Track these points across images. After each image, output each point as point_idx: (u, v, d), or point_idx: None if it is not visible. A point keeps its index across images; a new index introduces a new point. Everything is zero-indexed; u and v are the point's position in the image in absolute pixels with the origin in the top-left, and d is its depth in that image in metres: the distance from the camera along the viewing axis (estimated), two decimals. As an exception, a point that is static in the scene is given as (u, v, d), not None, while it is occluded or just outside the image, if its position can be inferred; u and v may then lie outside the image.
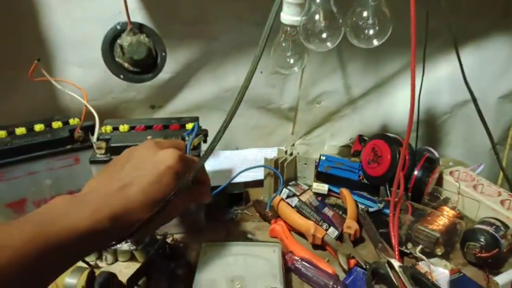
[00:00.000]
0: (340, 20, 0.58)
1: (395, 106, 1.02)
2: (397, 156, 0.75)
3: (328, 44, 0.58)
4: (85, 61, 0.84)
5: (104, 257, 0.64)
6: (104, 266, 0.64)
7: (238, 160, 0.96)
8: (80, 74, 0.85)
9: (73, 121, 0.72)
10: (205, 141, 0.69)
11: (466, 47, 0.96)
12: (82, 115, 0.68)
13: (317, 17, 0.55)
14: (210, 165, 0.93)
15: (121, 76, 0.80)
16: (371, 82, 1.00)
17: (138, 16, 0.83)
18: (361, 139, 0.94)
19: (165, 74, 0.91)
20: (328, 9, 0.56)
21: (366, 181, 0.83)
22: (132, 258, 0.64)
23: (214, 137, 0.53)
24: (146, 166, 0.46)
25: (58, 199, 0.40)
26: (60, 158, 0.67)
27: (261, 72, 0.94)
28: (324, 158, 0.89)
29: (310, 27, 0.56)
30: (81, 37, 0.83)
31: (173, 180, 0.46)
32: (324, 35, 0.57)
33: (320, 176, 0.86)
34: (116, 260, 0.65)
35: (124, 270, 0.62)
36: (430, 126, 1.04)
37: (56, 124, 0.71)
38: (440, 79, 0.95)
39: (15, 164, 0.63)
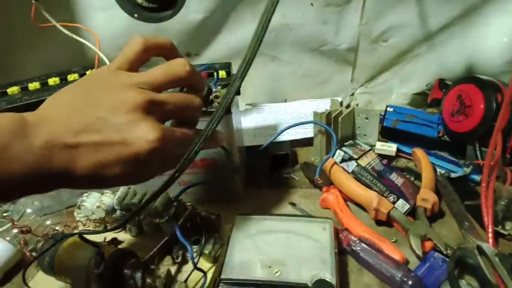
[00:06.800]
0: None
1: (486, 41, 0.80)
2: (494, 105, 0.56)
3: None
4: (104, 4, 0.74)
5: (128, 228, 0.57)
6: (128, 238, 0.57)
7: (286, 115, 0.83)
8: (103, 20, 0.76)
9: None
10: (238, 93, 0.56)
11: None
12: (95, 66, 0.58)
13: None
14: (252, 121, 0.81)
15: (135, 15, 0.69)
16: (454, 9, 0.78)
17: None
18: (441, 84, 0.76)
19: (197, 14, 0.79)
20: None
21: (447, 139, 0.66)
22: (158, 230, 0.56)
23: (226, 91, 0.38)
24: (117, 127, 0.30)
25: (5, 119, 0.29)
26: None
27: (312, 5, 0.77)
28: (391, 109, 0.72)
29: None
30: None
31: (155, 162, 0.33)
32: None
33: (386, 133, 0.71)
34: (141, 232, 0.57)
35: (149, 243, 0.54)
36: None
37: (72, 77, 0.62)
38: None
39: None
